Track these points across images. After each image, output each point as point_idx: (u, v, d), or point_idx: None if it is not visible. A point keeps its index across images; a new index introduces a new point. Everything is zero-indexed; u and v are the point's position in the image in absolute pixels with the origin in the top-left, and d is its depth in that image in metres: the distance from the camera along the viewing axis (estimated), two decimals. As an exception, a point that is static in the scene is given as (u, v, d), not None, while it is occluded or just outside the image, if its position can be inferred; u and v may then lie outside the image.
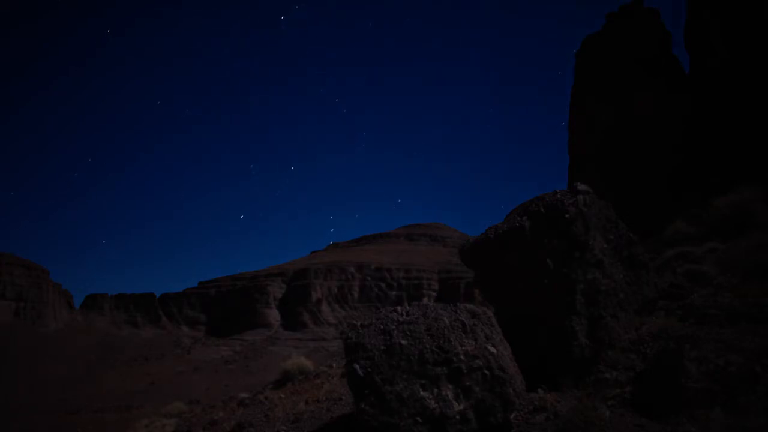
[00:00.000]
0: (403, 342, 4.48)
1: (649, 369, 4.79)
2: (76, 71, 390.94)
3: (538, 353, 5.29)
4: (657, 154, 27.07)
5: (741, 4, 22.39)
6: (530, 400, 4.74)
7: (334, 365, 10.74)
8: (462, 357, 4.42)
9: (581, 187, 5.72)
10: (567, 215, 5.38)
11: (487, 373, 4.42)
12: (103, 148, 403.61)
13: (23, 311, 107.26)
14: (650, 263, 6.67)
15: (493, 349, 4.58)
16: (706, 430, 3.93)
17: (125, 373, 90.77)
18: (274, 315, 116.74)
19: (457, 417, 4.23)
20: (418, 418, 4.19)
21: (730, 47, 22.54)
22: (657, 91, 28.59)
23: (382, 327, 4.67)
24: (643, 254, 6.37)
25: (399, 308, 4.96)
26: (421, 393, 4.27)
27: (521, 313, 5.57)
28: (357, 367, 4.43)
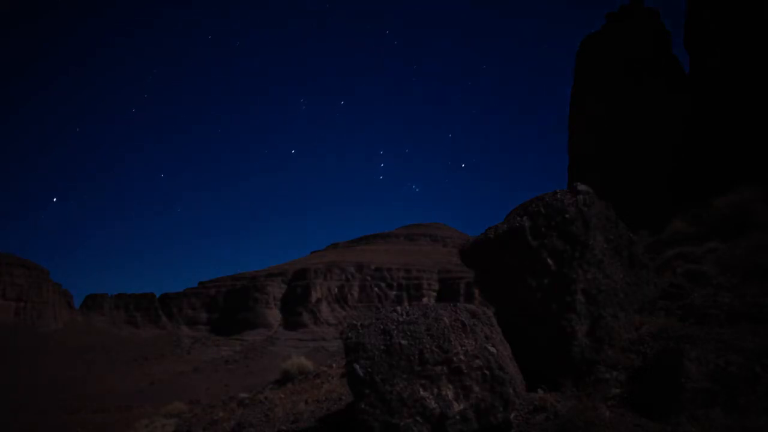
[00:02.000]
0: (403, 342, 4.48)
1: (649, 369, 4.79)
2: (76, 71, 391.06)
3: (538, 353, 5.29)
4: (657, 154, 27.07)
5: (741, 4, 22.39)
6: (530, 400, 4.74)
7: (334, 365, 10.75)
8: (462, 357, 4.42)
9: (581, 187, 5.72)
10: (567, 215, 5.38)
11: (487, 372, 4.42)
12: (104, 148, 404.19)
13: (23, 311, 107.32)
14: (650, 263, 6.67)
15: (493, 349, 4.59)
16: (706, 430, 3.93)
17: (125, 373, 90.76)
18: (274, 315, 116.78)
19: (457, 417, 4.23)
20: (419, 418, 4.19)
21: (730, 47, 22.54)
22: (657, 91, 28.59)
23: (382, 327, 4.67)
24: (643, 254, 6.37)
25: (399, 308, 4.96)
26: (421, 393, 4.27)
27: (521, 313, 5.57)
28: (357, 367, 4.43)
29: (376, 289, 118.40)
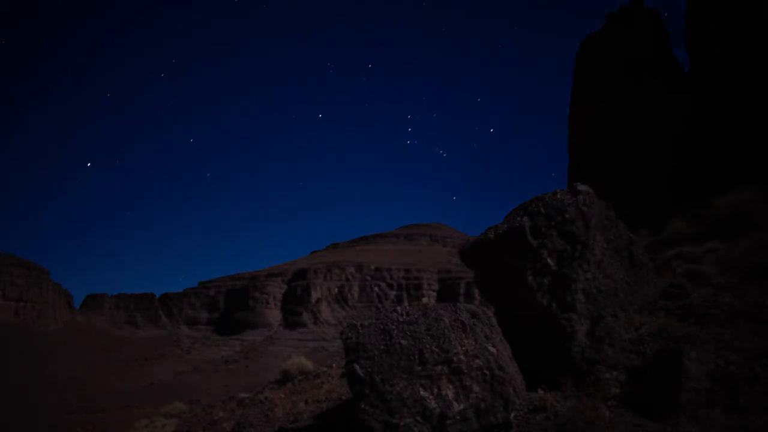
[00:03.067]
0: (403, 342, 4.48)
1: (649, 369, 4.78)
2: (75, 71, 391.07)
3: (538, 353, 5.29)
4: (657, 154, 27.07)
5: (741, 4, 22.39)
6: (530, 399, 4.74)
7: (334, 365, 10.76)
8: (462, 357, 4.42)
9: (581, 187, 5.72)
10: (567, 215, 5.38)
11: (487, 372, 4.42)
12: (104, 149, 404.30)
13: (23, 311, 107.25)
14: (650, 263, 6.67)
15: (492, 349, 4.59)
16: (706, 430, 3.93)
17: (125, 373, 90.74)
18: (274, 315, 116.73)
19: (458, 417, 4.23)
20: (419, 418, 4.19)
21: (730, 47, 22.54)
22: (657, 91, 28.59)
23: (382, 327, 4.67)
24: (643, 254, 6.37)
25: (399, 308, 4.96)
26: (422, 393, 4.27)
27: (521, 313, 5.57)
28: (357, 367, 4.43)
29: (376, 289, 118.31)
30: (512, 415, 4.44)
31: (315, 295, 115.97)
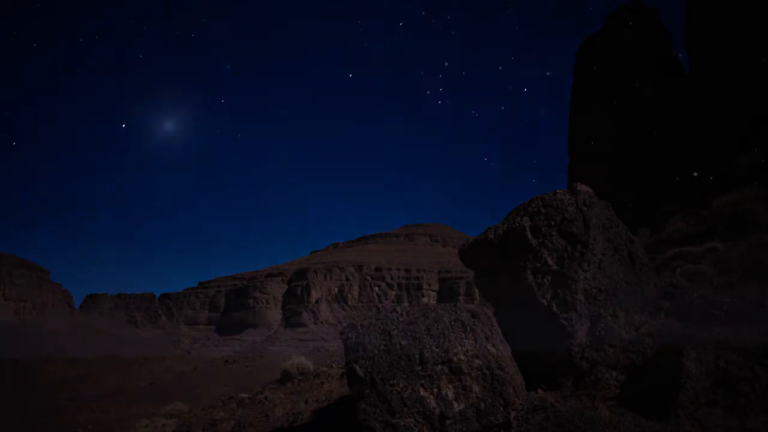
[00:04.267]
0: (404, 342, 4.48)
1: (649, 369, 4.79)
2: (76, 71, 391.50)
3: (538, 353, 5.29)
4: (657, 153, 27.08)
5: (741, 4, 22.39)
6: (530, 399, 4.74)
7: (334, 365, 10.77)
8: (462, 357, 4.42)
9: (581, 187, 5.73)
10: (567, 215, 5.39)
11: (487, 372, 4.43)
12: (104, 148, 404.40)
13: (23, 311, 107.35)
14: (650, 263, 6.67)
15: (492, 349, 4.59)
16: (706, 430, 3.93)
17: (125, 373, 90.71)
18: (274, 315, 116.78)
19: (458, 416, 4.23)
20: (419, 418, 4.20)
21: (730, 47, 22.55)
22: (656, 91, 28.60)
23: (382, 327, 4.68)
24: (643, 254, 6.37)
25: (399, 308, 4.96)
26: (422, 393, 4.28)
27: (521, 313, 5.58)
28: (357, 367, 4.43)
29: (376, 288, 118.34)
30: (512, 414, 4.45)
31: (315, 295, 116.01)
